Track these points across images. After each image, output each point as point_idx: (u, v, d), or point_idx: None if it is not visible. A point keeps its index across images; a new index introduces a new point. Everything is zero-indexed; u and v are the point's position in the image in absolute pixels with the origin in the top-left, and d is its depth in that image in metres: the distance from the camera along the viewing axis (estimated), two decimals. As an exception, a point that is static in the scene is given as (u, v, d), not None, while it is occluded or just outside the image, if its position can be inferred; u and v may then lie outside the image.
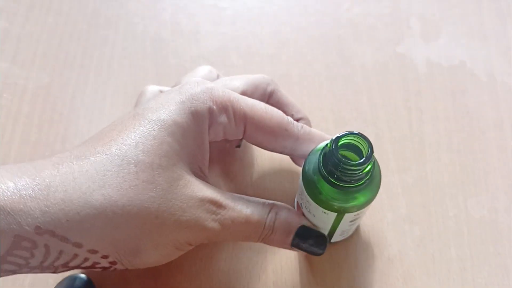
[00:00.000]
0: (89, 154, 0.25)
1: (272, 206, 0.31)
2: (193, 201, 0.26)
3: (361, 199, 0.31)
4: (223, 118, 0.29)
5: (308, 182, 0.32)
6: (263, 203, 0.31)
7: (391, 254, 0.39)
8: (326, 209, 0.32)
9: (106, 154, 0.25)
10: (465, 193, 0.41)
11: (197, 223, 0.27)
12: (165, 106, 0.27)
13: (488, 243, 0.39)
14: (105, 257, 0.25)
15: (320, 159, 0.31)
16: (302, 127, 0.33)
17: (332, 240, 0.38)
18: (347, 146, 0.30)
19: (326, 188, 0.31)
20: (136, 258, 0.26)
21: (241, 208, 0.29)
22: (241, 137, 0.31)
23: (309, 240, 0.32)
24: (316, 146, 0.33)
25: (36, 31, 0.48)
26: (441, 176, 0.42)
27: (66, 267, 0.26)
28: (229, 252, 0.39)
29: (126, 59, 0.47)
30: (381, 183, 0.32)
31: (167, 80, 0.46)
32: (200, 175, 0.29)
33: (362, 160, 0.29)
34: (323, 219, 0.34)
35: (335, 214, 0.32)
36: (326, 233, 0.36)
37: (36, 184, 0.23)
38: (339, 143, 0.29)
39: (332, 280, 0.38)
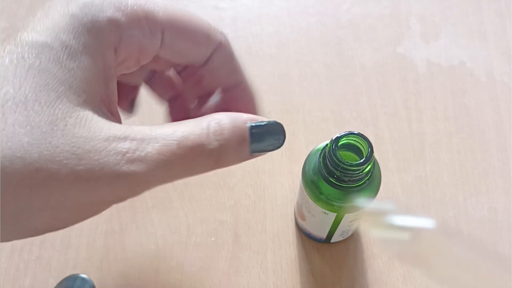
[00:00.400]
0: None
1: (206, 118, 0.23)
2: (93, 144, 0.19)
3: (360, 199, 0.31)
4: (135, 31, 0.22)
5: (308, 182, 0.32)
6: (194, 120, 0.23)
7: (390, 254, 0.39)
8: (326, 209, 0.32)
9: None
10: (464, 193, 0.41)
11: (103, 172, 0.19)
12: (46, 22, 0.21)
13: (487, 243, 0.39)
14: None
15: (320, 159, 0.31)
16: (225, 35, 0.27)
17: (332, 240, 0.38)
18: (347, 146, 0.30)
19: (326, 188, 0.31)
20: (17, 226, 0.20)
21: (166, 133, 0.21)
22: (155, 53, 0.24)
23: (266, 137, 0.24)
24: (316, 146, 0.33)
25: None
26: (440, 176, 0.42)
27: None
28: (229, 252, 0.39)
29: (126, 60, 0.47)
30: (381, 183, 0.32)
31: (167, 80, 0.46)
32: (104, 112, 0.21)
33: (362, 160, 0.29)
34: (323, 219, 0.34)
35: (335, 214, 0.32)
36: (326, 233, 0.36)
37: None
38: (339, 143, 0.29)
39: (332, 280, 0.38)
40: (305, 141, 0.43)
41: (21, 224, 0.20)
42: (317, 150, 0.33)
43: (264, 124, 0.24)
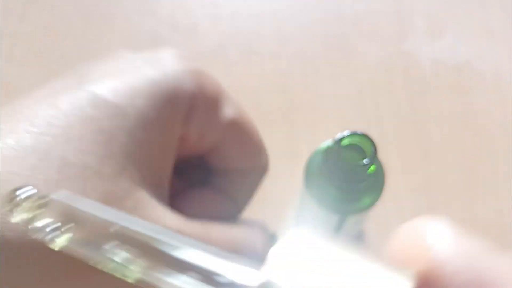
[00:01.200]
0: None
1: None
2: None
3: (364, 201, 0.31)
4: (206, 116, 0.21)
5: (311, 184, 0.31)
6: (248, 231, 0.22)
7: (395, 257, 0.38)
8: (329, 211, 0.31)
9: (17, 147, 0.16)
10: (471, 194, 0.41)
11: None
12: (120, 81, 0.18)
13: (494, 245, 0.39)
14: None
15: (323, 160, 0.30)
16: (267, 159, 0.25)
17: (335, 244, 0.37)
18: (351, 147, 0.29)
19: (329, 189, 0.30)
20: None
21: (220, 239, 0.20)
22: (211, 145, 0.22)
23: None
24: (319, 146, 0.33)
25: (32, 29, 0.48)
26: (446, 177, 0.41)
27: None
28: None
29: (124, 57, 0.46)
30: (385, 184, 0.32)
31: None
32: (158, 190, 0.20)
33: (366, 161, 0.28)
34: (325, 222, 0.33)
35: (338, 216, 0.32)
36: (328, 236, 0.36)
37: None
38: (343, 144, 0.29)
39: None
40: (307, 141, 0.43)
41: None
42: (320, 150, 0.32)
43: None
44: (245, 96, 0.45)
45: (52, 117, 0.17)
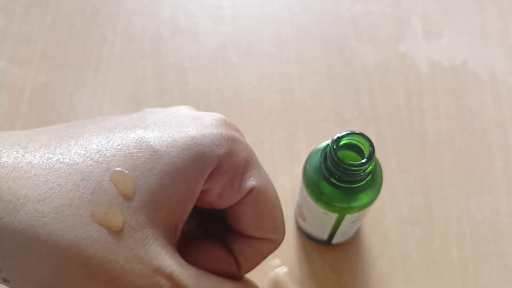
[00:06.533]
0: (52, 150, 0.20)
1: None
2: (141, 267, 0.20)
3: (362, 199, 0.31)
4: (229, 180, 0.22)
5: (309, 183, 0.32)
6: None
7: (392, 255, 0.38)
8: (327, 209, 0.32)
9: (66, 163, 0.19)
10: (467, 193, 0.41)
11: None
12: (170, 133, 0.21)
13: (490, 244, 0.39)
14: (4, 280, 0.20)
15: (321, 159, 0.30)
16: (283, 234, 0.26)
17: (333, 241, 0.38)
18: (349, 146, 0.30)
19: (327, 188, 0.31)
20: None
21: None
22: (227, 206, 0.24)
23: None
24: (317, 146, 0.33)
25: (34, 30, 0.48)
26: (443, 176, 0.41)
27: None
28: (229, 253, 0.38)
29: (125, 58, 0.47)
30: (383, 184, 0.32)
31: (166, 79, 0.46)
32: (170, 233, 0.22)
33: (363, 161, 0.28)
34: (324, 220, 0.33)
35: (336, 215, 0.32)
36: (327, 234, 0.36)
37: None
38: (340, 143, 0.29)
39: (333, 281, 0.37)
40: (305, 141, 0.43)
41: None
42: (318, 150, 0.32)
43: None
44: (245, 97, 0.45)
45: (102, 147, 0.20)
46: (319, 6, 0.50)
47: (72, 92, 0.45)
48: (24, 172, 0.19)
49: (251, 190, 0.23)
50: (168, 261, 0.20)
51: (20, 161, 0.19)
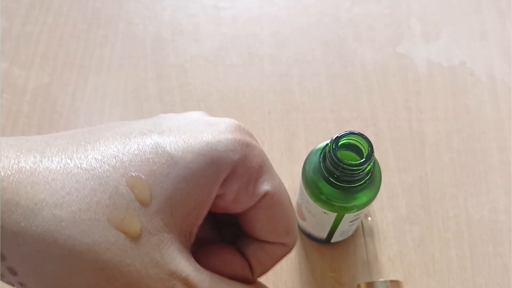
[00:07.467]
0: (69, 155, 0.20)
1: None
2: (157, 271, 0.20)
3: (361, 199, 0.31)
4: (244, 185, 0.23)
5: (309, 182, 0.32)
6: None
7: (391, 254, 0.39)
8: (326, 209, 0.32)
9: (84, 168, 0.19)
10: (465, 193, 0.41)
11: None
12: (185, 138, 0.21)
13: (488, 243, 0.39)
14: (21, 284, 0.20)
15: (320, 159, 0.31)
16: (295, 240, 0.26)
17: (332, 240, 0.38)
18: (347, 146, 0.30)
19: (326, 188, 0.31)
20: None
21: None
22: (242, 210, 0.24)
23: None
24: (317, 146, 0.33)
25: (36, 31, 0.48)
26: (441, 176, 0.42)
27: None
28: (229, 252, 0.39)
29: (126, 59, 0.47)
30: (381, 183, 0.32)
31: (167, 80, 0.46)
32: (185, 237, 0.22)
33: (362, 160, 0.28)
34: (323, 219, 0.34)
35: (335, 214, 0.32)
36: (326, 233, 0.36)
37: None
38: (340, 143, 0.29)
39: (332, 280, 0.38)
40: (305, 141, 0.43)
41: None
42: (317, 150, 0.33)
43: None
44: (246, 97, 0.45)
45: (119, 152, 0.20)
46: (318, 8, 0.50)
47: (74, 93, 0.45)
48: (41, 177, 0.19)
49: (265, 194, 0.23)
50: (184, 265, 0.20)
51: (37, 166, 0.19)
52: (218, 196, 0.22)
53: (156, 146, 0.20)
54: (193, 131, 0.22)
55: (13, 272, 0.19)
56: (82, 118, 0.44)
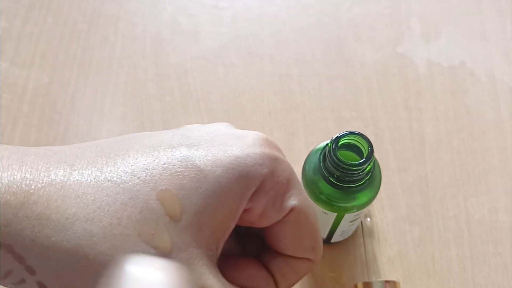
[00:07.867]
0: (99, 168, 0.19)
1: None
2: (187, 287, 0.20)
3: (361, 199, 0.31)
4: (272, 196, 0.22)
5: (308, 182, 0.32)
6: None
7: (391, 254, 0.39)
8: (326, 209, 0.32)
9: (114, 182, 0.19)
10: (465, 193, 0.41)
11: None
12: (214, 152, 0.21)
13: (488, 243, 0.39)
14: None
15: (320, 159, 0.31)
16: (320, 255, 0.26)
17: (332, 240, 0.38)
18: (348, 146, 0.30)
19: (326, 188, 0.31)
20: None
21: None
22: (268, 224, 0.24)
23: None
24: (316, 146, 0.33)
25: (36, 31, 0.48)
26: (441, 176, 0.42)
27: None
28: (229, 252, 0.39)
29: (126, 59, 0.47)
30: (381, 183, 0.32)
31: (167, 80, 0.46)
32: (212, 251, 0.22)
33: (362, 160, 0.29)
34: (323, 219, 0.34)
35: (335, 214, 0.32)
36: (326, 233, 0.36)
37: (24, 183, 0.18)
38: (340, 143, 0.29)
39: (332, 280, 0.38)
40: (305, 141, 0.43)
41: None
42: (317, 150, 0.33)
43: None
44: (246, 97, 0.45)
45: (148, 165, 0.20)
46: (318, 7, 0.50)
47: (74, 93, 0.45)
48: (72, 190, 0.18)
49: (292, 209, 0.23)
50: (212, 281, 0.20)
51: (68, 179, 0.19)
52: (245, 210, 0.22)
53: (186, 160, 0.20)
54: (222, 144, 0.21)
55: (42, 285, 0.19)
56: (82, 118, 0.44)
